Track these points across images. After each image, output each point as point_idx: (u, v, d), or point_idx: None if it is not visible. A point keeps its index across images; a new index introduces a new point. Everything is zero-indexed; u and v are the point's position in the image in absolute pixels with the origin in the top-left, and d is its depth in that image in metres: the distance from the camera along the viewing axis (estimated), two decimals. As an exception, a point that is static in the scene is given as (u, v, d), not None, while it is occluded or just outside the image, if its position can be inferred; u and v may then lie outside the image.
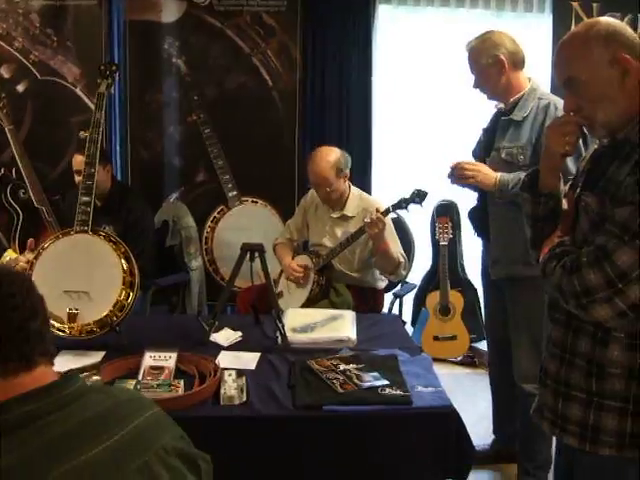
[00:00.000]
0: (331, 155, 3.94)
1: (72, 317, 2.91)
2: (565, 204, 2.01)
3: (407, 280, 4.34)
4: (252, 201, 5.15)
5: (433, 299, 5.08)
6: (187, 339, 2.99)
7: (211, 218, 5.16)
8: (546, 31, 4.85)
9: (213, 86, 5.15)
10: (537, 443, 3.28)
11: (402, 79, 5.25)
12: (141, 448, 1.32)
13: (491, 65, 3.10)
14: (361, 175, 5.02)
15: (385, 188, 5.10)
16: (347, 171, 3.99)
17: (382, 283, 4.20)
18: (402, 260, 3.91)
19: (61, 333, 2.91)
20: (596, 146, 2.02)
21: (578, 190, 1.95)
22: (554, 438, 3.04)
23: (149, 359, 2.67)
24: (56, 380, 1.33)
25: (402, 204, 3.73)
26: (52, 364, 1.37)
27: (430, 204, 5.05)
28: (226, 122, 5.13)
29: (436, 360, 4.42)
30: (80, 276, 2.95)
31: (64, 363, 2.71)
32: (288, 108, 5.14)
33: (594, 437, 1.86)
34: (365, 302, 4.01)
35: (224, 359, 2.80)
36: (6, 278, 1.34)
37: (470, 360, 5.10)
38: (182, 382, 2.52)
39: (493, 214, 3.26)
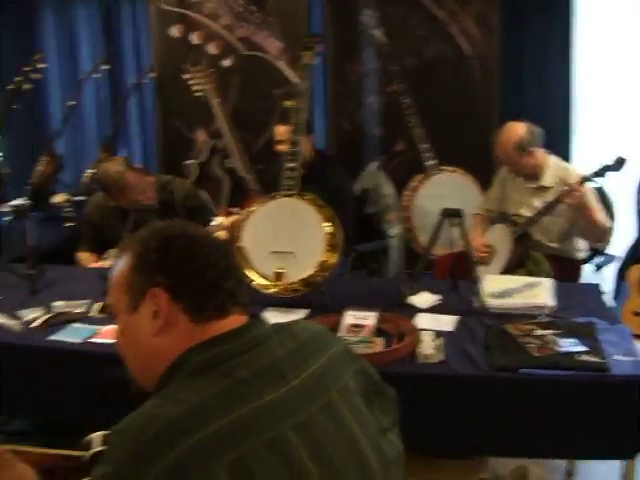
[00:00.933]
0: (513, 135, 3.90)
1: (279, 276, 3.05)
2: None
3: (607, 252, 4.23)
4: (451, 170, 5.13)
5: (635, 273, 4.88)
6: (386, 301, 3.03)
7: (410, 186, 5.19)
8: None
9: (411, 56, 5.19)
10: None
11: (604, 42, 5.03)
12: (324, 387, 1.36)
13: None
14: (562, 144, 4.92)
15: (587, 159, 4.93)
16: (534, 147, 3.92)
17: (581, 254, 4.11)
18: (609, 225, 3.84)
19: (268, 291, 3.07)
20: None
21: None
22: None
23: (350, 317, 2.77)
24: (245, 323, 1.39)
25: (601, 172, 3.65)
26: (246, 313, 1.43)
27: (635, 173, 4.86)
28: (425, 92, 5.15)
29: (637, 337, 4.28)
30: (286, 237, 3.08)
31: (270, 319, 2.87)
32: (486, 76, 5.09)
33: None
34: (563, 272, 3.94)
35: (422, 320, 2.85)
36: (205, 241, 1.43)
37: (674, 338, 4.88)
38: (381, 340, 2.61)
39: None
